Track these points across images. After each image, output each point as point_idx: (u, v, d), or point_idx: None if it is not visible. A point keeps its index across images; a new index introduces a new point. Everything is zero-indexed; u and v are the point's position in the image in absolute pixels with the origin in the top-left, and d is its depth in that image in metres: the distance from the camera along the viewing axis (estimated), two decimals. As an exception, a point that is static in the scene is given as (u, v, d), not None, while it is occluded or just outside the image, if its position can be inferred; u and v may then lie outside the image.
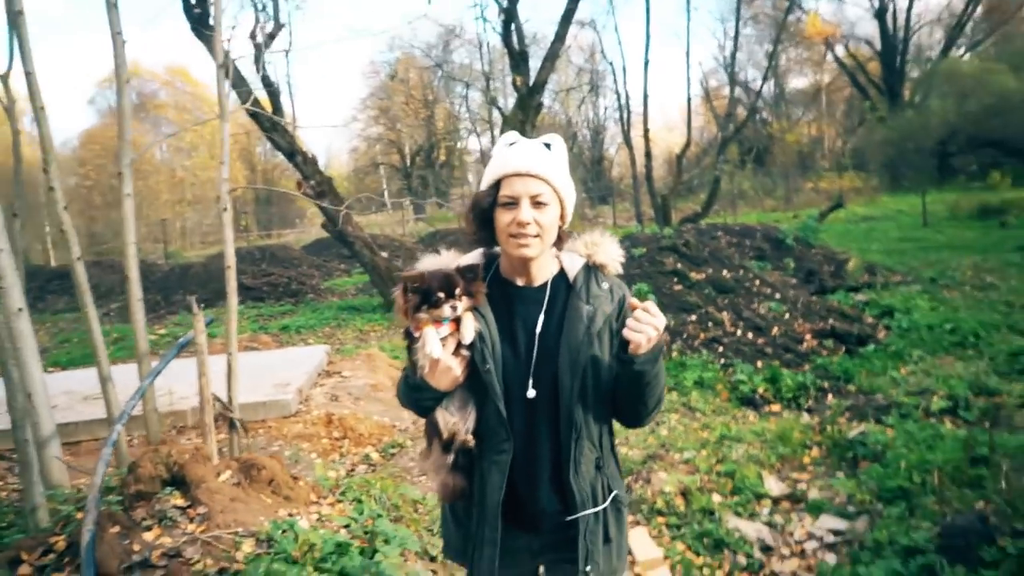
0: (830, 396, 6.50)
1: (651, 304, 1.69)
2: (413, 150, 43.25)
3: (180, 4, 10.81)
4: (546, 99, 16.91)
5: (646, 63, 22.10)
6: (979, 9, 33.89)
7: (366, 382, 7.57)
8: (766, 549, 3.87)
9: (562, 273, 1.84)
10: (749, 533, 4.00)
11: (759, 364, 7.23)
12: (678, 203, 23.49)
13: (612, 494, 1.83)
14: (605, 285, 1.82)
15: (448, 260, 1.81)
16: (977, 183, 20.98)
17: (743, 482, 4.53)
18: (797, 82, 43.34)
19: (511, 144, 1.79)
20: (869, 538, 3.46)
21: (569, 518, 1.76)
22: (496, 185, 1.75)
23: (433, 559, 3.32)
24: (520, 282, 1.83)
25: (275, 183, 48.84)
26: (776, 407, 6.36)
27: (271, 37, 13.96)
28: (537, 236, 1.71)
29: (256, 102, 12.45)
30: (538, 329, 1.77)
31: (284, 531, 2.69)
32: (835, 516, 4.11)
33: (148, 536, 2.65)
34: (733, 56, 25.19)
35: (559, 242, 1.84)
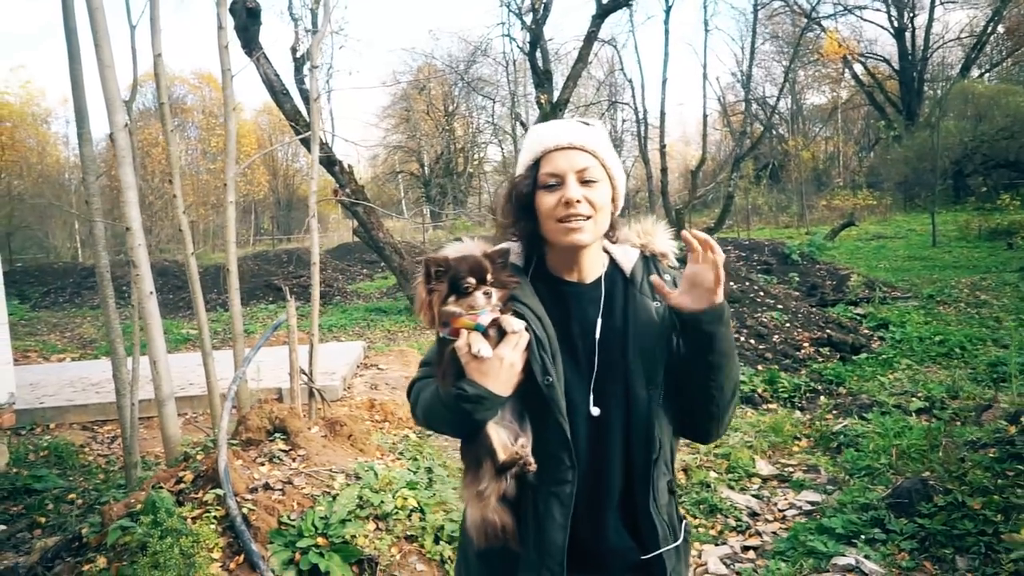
0: (822, 397, 7.18)
1: (709, 237, 1.39)
2: (432, 159, 44.17)
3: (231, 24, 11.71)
4: (567, 114, 17.68)
5: (663, 81, 22.82)
6: (1000, 28, 33.87)
7: (401, 374, 8.33)
8: (753, 515, 4.57)
9: (615, 266, 1.56)
10: (739, 502, 4.71)
11: (760, 367, 7.93)
12: (692, 217, 24.14)
13: (683, 523, 1.57)
14: (667, 277, 1.53)
15: (474, 247, 1.52)
16: (989, 204, 21.46)
17: (737, 463, 5.23)
18: (814, 99, 43.45)
19: (546, 125, 1.54)
20: (835, 501, 4.16)
21: (647, 556, 1.46)
22: (535, 165, 1.48)
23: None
24: (570, 278, 1.54)
25: (296, 187, 50.20)
26: (773, 405, 7.05)
27: (307, 55, 14.87)
28: (589, 218, 1.44)
29: (296, 112, 13.38)
30: (597, 334, 1.49)
31: (367, 470, 3.45)
32: (814, 492, 4.81)
33: (263, 470, 3.41)
34: (749, 74, 25.80)
35: (611, 231, 1.58)
